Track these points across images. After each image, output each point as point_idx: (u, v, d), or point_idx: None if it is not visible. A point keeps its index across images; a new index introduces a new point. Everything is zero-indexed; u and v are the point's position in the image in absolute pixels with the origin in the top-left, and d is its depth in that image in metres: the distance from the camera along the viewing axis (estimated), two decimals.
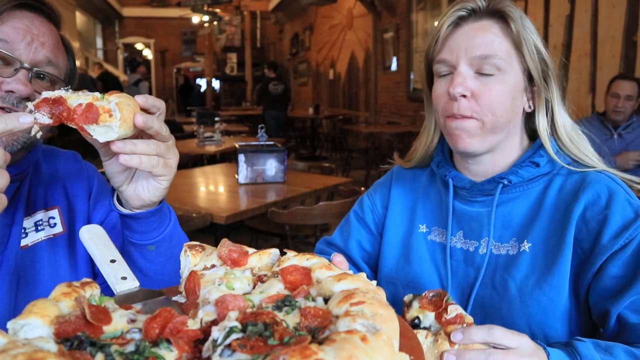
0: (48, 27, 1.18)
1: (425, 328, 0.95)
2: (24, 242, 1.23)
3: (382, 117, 11.75)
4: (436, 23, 1.25)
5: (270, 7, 18.96)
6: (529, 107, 1.23)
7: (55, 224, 1.30)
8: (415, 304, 0.98)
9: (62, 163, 1.41)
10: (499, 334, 0.87)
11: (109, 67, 14.55)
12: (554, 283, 1.12)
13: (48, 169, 1.37)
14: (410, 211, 1.41)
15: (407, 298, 1.01)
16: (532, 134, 1.28)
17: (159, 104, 1.04)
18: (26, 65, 1.12)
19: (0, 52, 1.09)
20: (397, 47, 10.75)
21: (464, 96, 1.15)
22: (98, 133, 0.91)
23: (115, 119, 0.90)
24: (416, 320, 0.97)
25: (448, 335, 0.90)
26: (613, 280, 1.07)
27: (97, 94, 0.94)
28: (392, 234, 1.41)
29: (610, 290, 1.07)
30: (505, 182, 1.21)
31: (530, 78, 1.20)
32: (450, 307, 0.94)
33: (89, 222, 1.38)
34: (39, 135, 0.96)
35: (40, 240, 1.26)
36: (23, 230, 1.24)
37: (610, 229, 1.08)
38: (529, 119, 1.26)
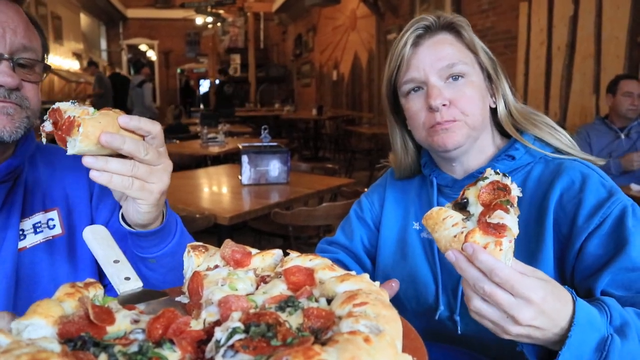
0: (14, 10, 1.16)
1: (467, 212, 0.89)
2: (22, 244, 1.22)
3: (385, 118, 11.72)
4: (392, 48, 1.34)
5: (273, 8, 18.97)
6: (493, 103, 1.34)
7: (54, 225, 1.29)
8: (481, 184, 0.90)
9: (60, 161, 1.39)
10: (500, 277, 0.81)
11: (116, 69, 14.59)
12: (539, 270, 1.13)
13: (46, 167, 1.35)
14: (404, 209, 1.48)
15: (488, 172, 0.93)
16: (502, 131, 1.36)
17: (149, 128, 1.01)
18: (6, 55, 1.11)
19: None
20: None
21: (444, 105, 1.24)
22: (69, 145, 0.94)
23: (77, 134, 0.92)
24: (464, 200, 0.91)
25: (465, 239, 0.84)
26: (593, 259, 1.09)
27: (90, 109, 0.98)
28: (388, 230, 1.49)
29: (590, 268, 1.09)
30: None
31: (488, 76, 1.33)
32: (497, 212, 0.84)
33: (91, 223, 1.37)
34: (44, 140, 1.01)
35: (38, 242, 1.25)
36: (21, 232, 1.23)
37: (585, 209, 1.12)
38: (495, 116, 1.35)
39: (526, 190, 1.24)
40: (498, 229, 0.82)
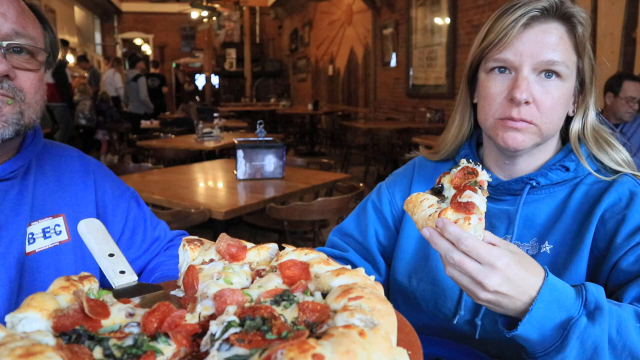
0: None
1: (442, 196, 1.00)
2: (31, 248, 1.20)
3: (381, 113, 11.74)
4: (496, 18, 1.18)
5: (269, 2, 18.90)
6: (573, 111, 1.23)
7: (60, 231, 1.27)
8: (454, 171, 1.02)
9: (66, 164, 1.36)
10: (467, 245, 0.88)
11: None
12: (570, 283, 1.13)
13: (53, 171, 1.32)
14: None
15: (461, 161, 1.05)
16: (563, 135, 1.27)
17: None
18: None
19: None
20: (397, 43, 10.73)
21: (527, 102, 1.13)
22: None
23: None
24: (439, 186, 1.02)
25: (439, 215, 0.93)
26: (625, 276, 1.07)
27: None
28: (412, 228, 1.38)
29: (621, 284, 1.07)
30: (534, 184, 1.21)
31: (581, 82, 1.20)
32: (466, 192, 0.94)
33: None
34: None
35: (46, 247, 1.23)
36: (31, 236, 1.21)
37: (627, 227, 1.09)
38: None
39: (572, 203, 1.19)
40: (467, 207, 0.92)
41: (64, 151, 1.39)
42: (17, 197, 1.20)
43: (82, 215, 1.32)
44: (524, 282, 0.90)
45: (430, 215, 0.95)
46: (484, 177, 0.99)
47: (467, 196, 0.93)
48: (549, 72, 1.13)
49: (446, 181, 1.01)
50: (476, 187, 0.95)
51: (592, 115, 1.23)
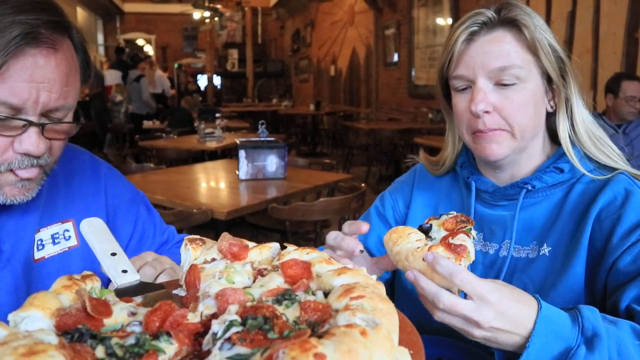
0: (54, 63, 1.00)
1: (430, 237, 0.97)
2: (40, 255, 1.19)
3: (383, 113, 11.73)
4: (445, 40, 1.22)
5: (271, 3, 18.90)
6: (551, 107, 1.23)
7: (69, 237, 1.26)
8: (444, 217, 1.00)
9: (77, 167, 1.34)
10: (460, 279, 0.84)
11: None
12: (569, 284, 1.12)
13: (63, 174, 1.30)
14: (433, 211, 1.40)
15: (453, 212, 1.03)
16: (553, 135, 1.26)
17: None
18: (35, 121, 0.99)
19: (6, 117, 0.96)
20: (399, 44, 10.72)
21: (487, 112, 1.15)
22: None
23: None
24: (427, 225, 0.99)
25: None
26: (623, 276, 1.06)
27: None
28: None
29: (619, 284, 1.06)
30: (529, 188, 1.21)
31: (549, 79, 1.20)
32: (460, 235, 0.92)
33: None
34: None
35: (56, 253, 1.22)
36: (39, 242, 1.20)
37: (622, 226, 1.08)
38: (549, 118, 1.25)
39: (569, 203, 1.19)
40: (458, 250, 0.89)
41: (75, 153, 1.37)
42: (28, 204, 1.18)
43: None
44: (520, 314, 0.87)
45: (418, 248, 0.91)
46: (473, 232, 0.97)
47: (461, 239, 0.91)
48: (509, 79, 1.13)
49: (435, 224, 1.00)
50: (470, 233, 0.94)
51: (581, 112, 1.21)
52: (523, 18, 1.16)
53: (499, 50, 1.14)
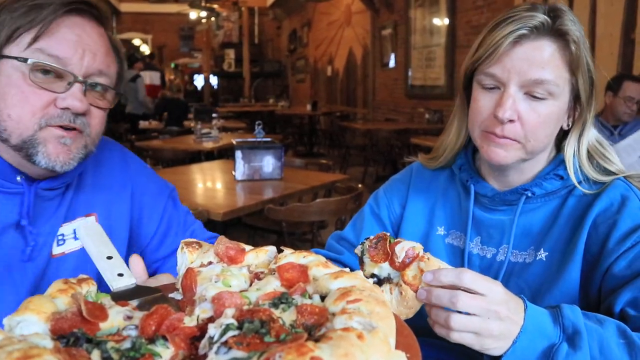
0: (98, 33, 1.12)
1: (386, 280, 0.94)
2: (60, 250, 1.19)
3: (380, 113, 11.74)
4: (488, 31, 1.15)
5: (268, 3, 18.89)
6: (567, 125, 1.21)
7: None
8: (367, 260, 0.96)
9: (107, 159, 1.35)
10: (468, 278, 0.86)
11: None
12: (565, 289, 1.13)
13: (93, 167, 1.30)
14: (429, 212, 1.39)
15: (357, 250, 0.99)
16: (557, 143, 1.25)
17: None
18: (80, 78, 1.07)
19: (53, 67, 1.04)
20: (395, 44, 10.73)
21: (511, 120, 1.12)
22: None
23: None
24: (374, 278, 0.95)
25: (407, 283, 0.90)
26: (617, 280, 1.07)
27: None
28: (409, 234, 1.38)
29: (614, 288, 1.07)
30: (529, 194, 1.21)
31: (576, 98, 1.17)
32: (396, 248, 0.92)
33: (129, 235, 1.34)
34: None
35: (77, 249, 1.21)
36: (61, 237, 1.19)
37: (618, 232, 1.08)
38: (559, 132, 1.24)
39: (566, 208, 1.19)
40: (409, 258, 0.91)
41: (106, 144, 1.37)
42: (59, 200, 1.19)
43: (115, 215, 1.31)
44: (516, 305, 0.89)
45: (400, 297, 0.91)
46: (391, 238, 0.96)
47: (400, 249, 0.92)
48: (541, 93, 1.10)
49: (370, 268, 0.96)
50: (395, 240, 0.95)
51: (590, 132, 1.20)
52: (575, 34, 1.12)
53: (541, 60, 1.10)
